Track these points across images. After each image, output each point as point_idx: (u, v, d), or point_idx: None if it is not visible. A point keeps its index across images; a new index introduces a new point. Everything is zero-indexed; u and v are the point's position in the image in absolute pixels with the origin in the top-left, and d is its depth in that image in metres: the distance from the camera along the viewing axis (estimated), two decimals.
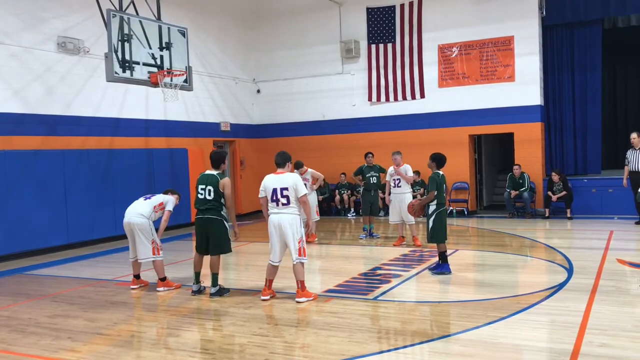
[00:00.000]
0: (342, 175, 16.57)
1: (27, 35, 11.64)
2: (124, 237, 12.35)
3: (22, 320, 6.85)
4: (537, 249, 10.31)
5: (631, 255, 9.19)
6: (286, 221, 7.00)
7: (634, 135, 12.69)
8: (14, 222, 10.91)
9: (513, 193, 14.48)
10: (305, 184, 11.36)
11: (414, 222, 10.84)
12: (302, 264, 7.12)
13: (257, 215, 17.55)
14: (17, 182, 11.00)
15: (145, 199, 8.17)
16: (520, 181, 14.51)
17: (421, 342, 5.55)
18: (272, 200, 7.07)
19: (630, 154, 12.72)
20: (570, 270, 8.22)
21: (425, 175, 15.17)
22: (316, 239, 11.96)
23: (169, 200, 8.22)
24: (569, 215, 13.90)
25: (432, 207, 8.38)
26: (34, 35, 11.76)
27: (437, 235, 8.38)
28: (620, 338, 5.35)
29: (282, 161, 7.22)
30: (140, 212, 7.98)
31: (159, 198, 8.21)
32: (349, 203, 16.49)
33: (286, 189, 6.99)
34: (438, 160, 8.51)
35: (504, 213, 15.03)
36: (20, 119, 11.48)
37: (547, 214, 14.19)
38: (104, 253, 11.62)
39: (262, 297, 7.23)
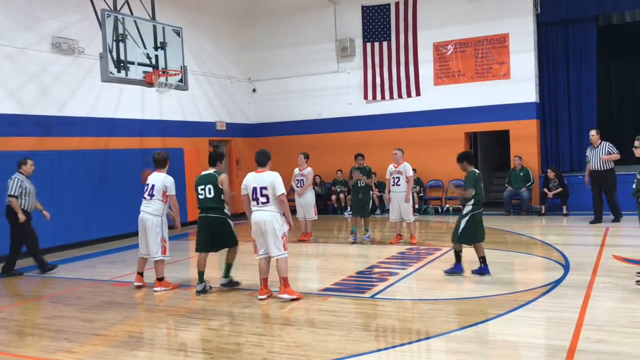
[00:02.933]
0: (339, 172, 16.52)
1: (21, 35, 11.59)
2: (120, 237, 12.49)
3: (19, 321, 6.84)
4: (533, 246, 10.33)
5: (627, 251, 9.21)
6: (267, 218, 7.01)
7: (592, 132, 12.56)
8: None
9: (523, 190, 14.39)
10: (302, 180, 11.51)
11: (412, 220, 10.85)
12: (285, 259, 7.10)
13: None
14: None
15: (151, 197, 7.95)
16: (522, 174, 14.51)
17: (418, 340, 5.56)
18: (253, 199, 7.11)
19: (589, 152, 12.65)
20: (566, 267, 8.25)
21: (421, 173, 15.27)
22: (312, 238, 11.94)
23: (168, 184, 8.03)
24: (564, 212, 13.93)
25: (468, 208, 7.90)
26: (28, 35, 11.72)
27: (466, 237, 7.94)
28: (616, 334, 5.37)
29: (264, 160, 7.23)
30: (152, 210, 7.92)
31: (158, 187, 7.95)
32: (345, 201, 16.48)
33: (265, 187, 7.02)
34: (468, 158, 8.09)
35: (500, 210, 15.02)
36: (15, 119, 11.44)
37: (543, 211, 14.21)
38: (100, 254, 11.59)
39: (259, 297, 7.23)
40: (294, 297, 7.10)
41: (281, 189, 7.04)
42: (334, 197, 16.65)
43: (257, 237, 7.19)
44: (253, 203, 7.11)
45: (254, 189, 7.07)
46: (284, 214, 7.12)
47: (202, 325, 6.46)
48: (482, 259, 8.06)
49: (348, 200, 16.34)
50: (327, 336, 5.72)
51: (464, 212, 7.96)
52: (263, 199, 7.03)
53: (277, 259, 7.10)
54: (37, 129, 11.85)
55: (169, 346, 5.79)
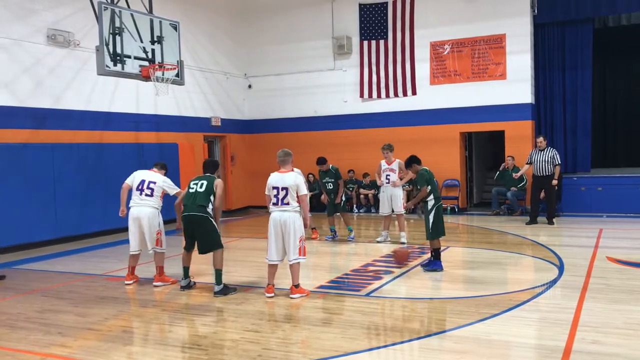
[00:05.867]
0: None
1: (16, 27, 11.49)
2: (113, 231, 12.41)
3: (11, 315, 6.78)
4: (527, 247, 10.35)
5: (621, 252, 9.25)
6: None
7: (540, 138, 12.85)
8: (1, 216, 10.77)
9: (513, 188, 14.55)
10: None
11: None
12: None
13: (247, 211, 17.51)
14: (5, 176, 10.87)
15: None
16: (513, 174, 14.53)
17: (413, 339, 5.55)
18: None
19: (534, 155, 12.82)
20: (560, 268, 8.27)
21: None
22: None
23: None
24: (558, 213, 13.96)
25: (431, 202, 8.34)
26: (23, 27, 11.62)
27: (438, 229, 8.33)
28: (611, 335, 5.38)
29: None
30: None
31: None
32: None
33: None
34: (415, 159, 8.63)
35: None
36: (9, 111, 11.34)
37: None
38: (93, 248, 11.54)
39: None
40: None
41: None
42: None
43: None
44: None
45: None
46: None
47: (196, 321, 6.43)
48: (435, 253, 8.37)
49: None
50: (322, 334, 5.71)
51: (429, 207, 8.35)
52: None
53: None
54: (31, 122, 11.75)
55: (163, 342, 5.75)
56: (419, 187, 8.50)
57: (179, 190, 8.19)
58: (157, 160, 8.81)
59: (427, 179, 8.37)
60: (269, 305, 6.88)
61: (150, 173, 8.21)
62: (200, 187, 7.43)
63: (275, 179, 7.10)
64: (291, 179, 7.04)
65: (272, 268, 7.22)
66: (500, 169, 14.96)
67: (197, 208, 7.31)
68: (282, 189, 7.00)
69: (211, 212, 7.42)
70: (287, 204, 6.99)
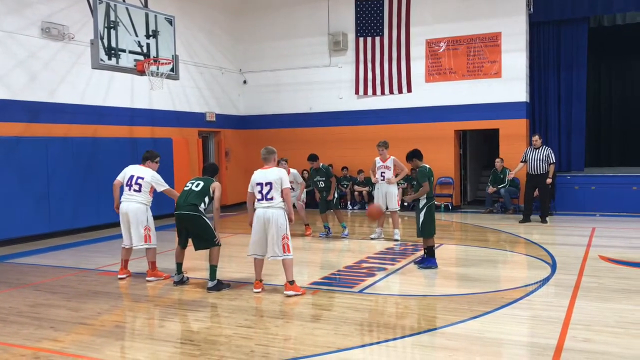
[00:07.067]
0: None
1: (10, 19, 11.42)
2: (107, 226, 12.40)
3: (3, 309, 6.75)
4: (520, 245, 10.39)
5: (613, 251, 9.30)
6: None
7: (536, 137, 12.89)
8: None
9: (491, 189, 14.66)
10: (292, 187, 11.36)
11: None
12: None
13: (242, 207, 17.47)
14: None
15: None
16: (502, 176, 14.62)
17: (406, 336, 5.57)
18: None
19: (529, 153, 12.83)
20: (553, 266, 8.31)
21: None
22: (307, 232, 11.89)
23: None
24: (551, 211, 14.01)
25: (423, 201, 8.36)
26: (17, 20, 11.55)
27: (427, 229, 8.36)
28: (603, 333, 5.42)
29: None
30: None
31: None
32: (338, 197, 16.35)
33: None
34: (417, 154, 8.55)
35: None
36: (3, 105, 11.28)
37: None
38: (86, 242, 11.50)
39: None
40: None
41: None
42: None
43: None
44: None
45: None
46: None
47: (189, 317, 6.43)
48: (429, 251, 8.40)
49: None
50: (315, 330, 5.72)
51: (420, 206, 8.38)
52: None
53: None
54: (25, 115, 11.69)
55: (156, 337, 5.74)
56: (419, 183, 8.38)
57: (167, 187, 8.20)
58: None
59: (427, 176, 8.36)
60: (263, 301, 6.88)
61: (140, 168, 8.16)
62: (196, 186, 7.52)
63: (259, 175, 7.13)
64: (274, 173, 7.06)
65: (258, 263, 7.24)
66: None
67: (188, 207, 7.38)
68: (266, 184, 7.02)
69: (203, 211, 7.45)
70: (272, 198, 6.99)
